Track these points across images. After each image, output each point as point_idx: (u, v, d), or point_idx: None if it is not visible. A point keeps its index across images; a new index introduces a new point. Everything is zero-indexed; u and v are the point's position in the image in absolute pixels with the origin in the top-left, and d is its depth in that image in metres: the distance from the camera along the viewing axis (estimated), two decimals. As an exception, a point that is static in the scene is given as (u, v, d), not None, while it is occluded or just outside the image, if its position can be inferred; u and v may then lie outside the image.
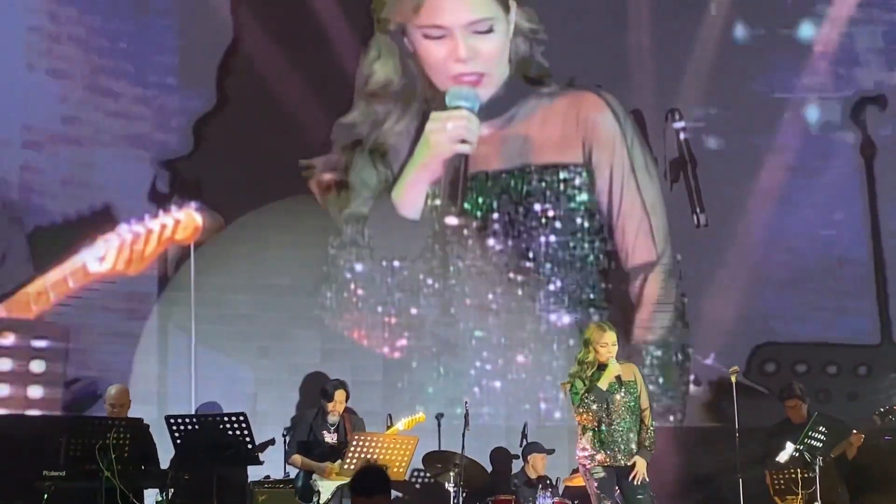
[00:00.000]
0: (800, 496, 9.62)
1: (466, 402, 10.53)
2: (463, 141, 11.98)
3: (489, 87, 12.21)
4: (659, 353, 12.13)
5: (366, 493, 5.72)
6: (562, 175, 12.29)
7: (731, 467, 10.13)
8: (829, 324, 12.27)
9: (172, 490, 8.97)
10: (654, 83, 12.35)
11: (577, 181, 12.29)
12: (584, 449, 8.48)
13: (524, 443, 10.94)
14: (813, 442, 9.44)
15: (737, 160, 12.36)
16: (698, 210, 12.39)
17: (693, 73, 12.31)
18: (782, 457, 9.62)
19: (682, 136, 12.50)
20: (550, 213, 12.28)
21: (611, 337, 8.49)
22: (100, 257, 11.27)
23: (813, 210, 12.37)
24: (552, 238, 12.28)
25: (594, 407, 8.40)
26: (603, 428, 8.42)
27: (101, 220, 11.41)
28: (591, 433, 8.44)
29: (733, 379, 10.03)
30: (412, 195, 12.13)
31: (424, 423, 10.14)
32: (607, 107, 12.39)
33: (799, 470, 9.60)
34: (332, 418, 9.62)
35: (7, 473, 9.90)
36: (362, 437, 9.23)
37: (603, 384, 8.40)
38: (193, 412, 10.71)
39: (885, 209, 12.37)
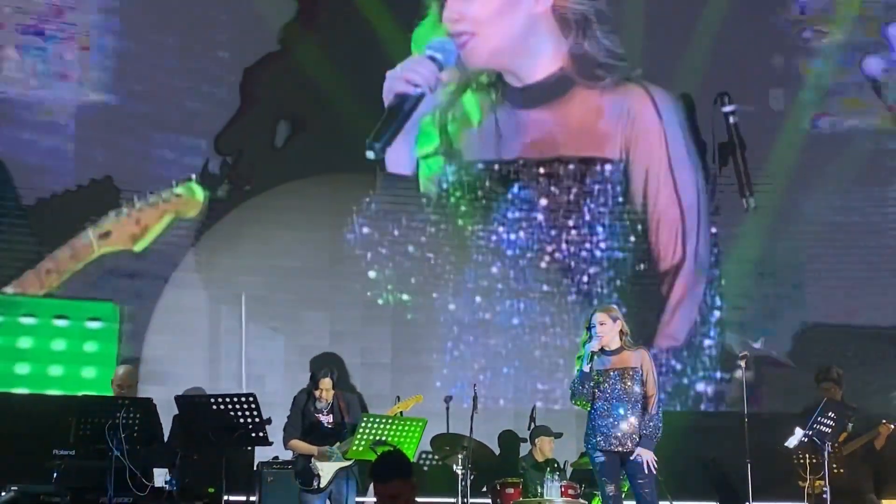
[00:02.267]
0: (808, 481, 9.61)
1: (475, 386, 10.54)
2: (413, 84, 11.96)
3: (481, 51, 12.30)
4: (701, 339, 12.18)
5: (382, 479, 5.62)
6: (598, 168, 12.32)
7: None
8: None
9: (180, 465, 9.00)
10: (705, 66, 12.39)
11: (614, 176, 12.28)
12: (586, 433, 8.45)
13: (532, 426, 10.95)
14: (822, 427, 9.42)
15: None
16: (747, 194, 12.44)
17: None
18: (791, 442, 9.60)
19: (731, 119, 12.51)
20: (587, 206, 12.28)
21: (598, 317, 8.41)
22: (105, 233, 11.32)
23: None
24: (576, 232, 12.29)
25: (584, 390, 8.35)
26: (596, 412, 8.36)
27: (103, 196, 11.48)
28: (589, 417, 8.39)
29: (742, 364, 10.00)
30: (395, 151, 12.09)
31: (433, 406, 10.13)
32: (652, 103, 12.42)
33: (808, 455, 9.59)
34: (320, 404, 9.55)
35: (17, 453, 9.95)
36: (371, 420, 9.21)
37: (586, 366, 8.33)
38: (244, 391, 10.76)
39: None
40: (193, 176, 11.69)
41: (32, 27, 11.61)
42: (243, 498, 10.00)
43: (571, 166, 12.38)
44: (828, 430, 9.40)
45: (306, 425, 9.50)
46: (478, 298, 12.21)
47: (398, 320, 12.10)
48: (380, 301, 12.09)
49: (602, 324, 8.38)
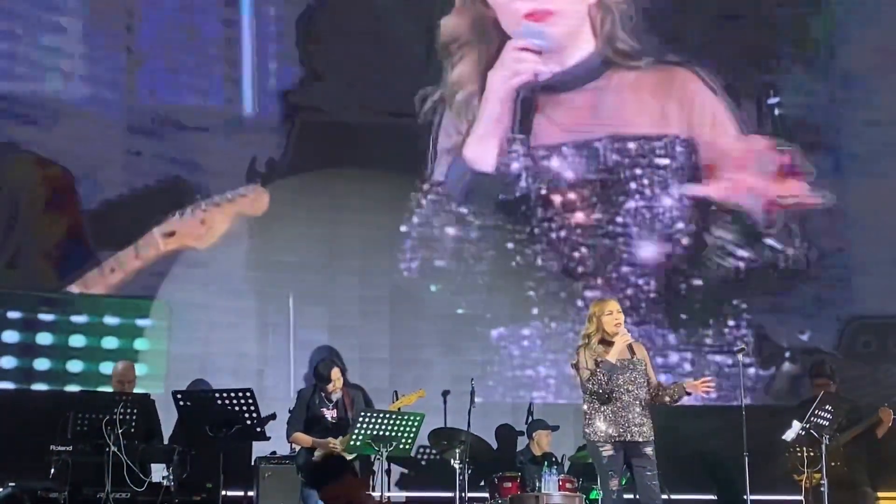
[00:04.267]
0: (805, 474, 9.63)
1: (473, 380, 10.55)
2: (519, 73, 12.01)
3: (560, 26, 12.26)
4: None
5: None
6: (652, 146, 12.27)
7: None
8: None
9: (177, 459, 9.00)
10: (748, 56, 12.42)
11: (671, 153, 12.26)
12: (591, 425, 8.38)
13: (529, 420, 10.96)
14: (819, 420, 9.43)
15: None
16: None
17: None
18: (789, 435, 9.61)
19: (776, 112, 12.51)
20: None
21: (614, 305, 8.43)
22: (170, 232, 11.52)
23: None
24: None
25: (604, 381, 8.30)
26: (615, 404, 8.30)
27: (171, 196, 11.69)
28: (600, 408, 8.34)
29: (740, 358, 10.00)
30: (483, 148, 12.16)
31: (431, 401, 10.14)
32: (701, 81, 12.38)
33: (805, 448, 9.60)
34: (335, 395, 9.56)
35: (15, 448, 9.96)
36: (369, 415, 9.22)
37: (612, 357, 8.32)
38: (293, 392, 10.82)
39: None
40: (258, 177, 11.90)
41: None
42: (241, 493, 10.00)
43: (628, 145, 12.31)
44: (825, 422, 9.42)
45: (310, 419, 9.52)
46: (476, 292, 12.20)
47: (396, 314, 12.09)
48: (375, 295, 12.08)
49: (620, 311, 8.42)
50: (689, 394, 8.53)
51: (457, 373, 11.58)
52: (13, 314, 11.21)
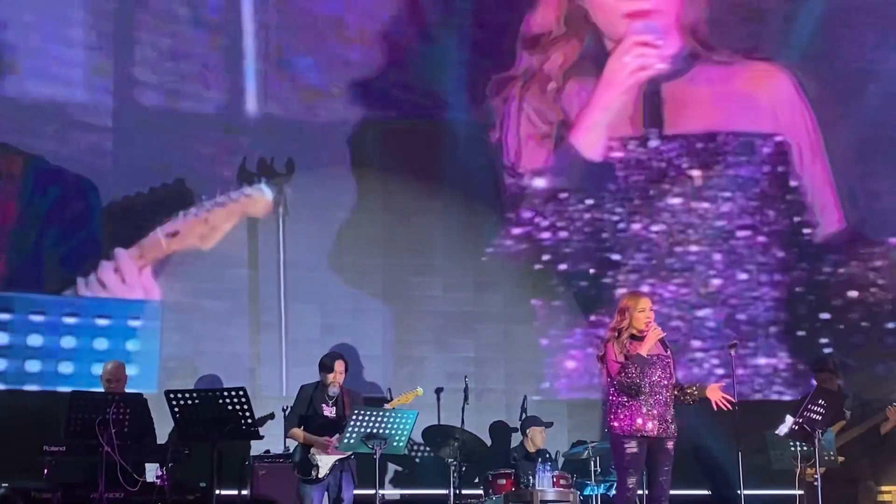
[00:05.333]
0: (798, 469, 9.63)
1: (466, 377, 10.54)
2: (642, 68, 12.14)
3: (661, 21, 12.33)
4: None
5: None
6: (747, 142, 12.26)
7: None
8: None
9: (172, 464, 9.00)
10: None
11: (764, 150, 12.25)
12: (618, 419, 8.33)
13: (523, 416, 10.96)
14: (812, 415, 9.43)
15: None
16: None
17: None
18: (781, 430, 9.61)
19: None
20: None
21: (647, 303, 8.42)
22: (173, 232, 11.54)
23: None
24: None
25: (635, 375, 8.28)
26: (643, 397, 8.26)
27: (176, 196, 11.71)
28: (628, 403, 8.28)
29: (732, 352, 10.00)
30: (593, 136, 12.21)
31: (424, 398, 10.14)
32: (789, 77, 12.34)
33: (798, 443, 9.60)
34: (333, 390, 9.62)
35: (8, 449, 9.94)
36: (361, 412, 9.24)
37: (644, 351, 8.29)
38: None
39: None
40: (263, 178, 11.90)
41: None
42: (235, 492, 9.99)
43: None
44: (818, 417, 9.41)
45: (309, 415, 9.57)
46: (468, 289, 12.18)
47: (389, 312, 12.07)
48: (370, 292, 12.07)
49: (651, 310, 8.43)
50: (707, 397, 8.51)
51: (450, 370, 11.58)
52: (4, 316, 11.21)
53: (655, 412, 8.29)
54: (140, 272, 11.52)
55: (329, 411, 9.60)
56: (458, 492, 10.16)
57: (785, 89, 12.37)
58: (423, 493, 11.08)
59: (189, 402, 8.85)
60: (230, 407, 8.84)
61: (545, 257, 12.18)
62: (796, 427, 9.41)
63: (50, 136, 11.56)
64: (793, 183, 12.30)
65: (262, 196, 11.86)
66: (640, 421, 8.27)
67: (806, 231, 12.26)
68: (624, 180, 12.28)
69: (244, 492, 10.05)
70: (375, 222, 12.10)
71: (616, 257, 12.19)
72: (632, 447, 8.28)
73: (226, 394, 8.89)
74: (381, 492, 9.43)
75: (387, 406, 9.50)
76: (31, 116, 11.51)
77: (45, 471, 9.01)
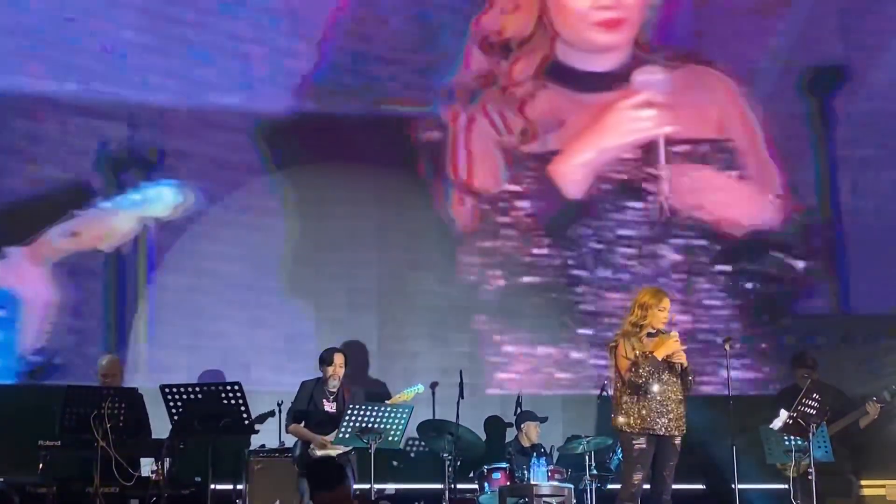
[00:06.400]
0: (793, 463, 9.66)
1: (461, 372, 10.55)
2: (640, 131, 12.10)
3: (627, 32, 12.25)
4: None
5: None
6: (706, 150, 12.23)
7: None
8: None
9: (169, 459, 8.99)
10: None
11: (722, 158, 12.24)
12: (628, 415, 8.31)
13: (518, 411, 10.97)
14: (806, 409, 9.45)
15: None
16: None
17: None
18: (776, 424, 9.63)
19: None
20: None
21: (668, 302, 8.39)
22: (72, 232, 11.34)
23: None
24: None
25: (646, 374, 8.26)
26: (654, 396, 8.24)
27: (74, 195, 11.50)
28: (637, 400, 8.27)
29: (727, 347, 10.01)
30: (580, 174, 12.16)
31: (419, 393, 10.15)
32: (731, 82, 12.30)
33: (793, 437, 9.62)
34: (333, 383, 9.65)
35: (2, 443, 9.94)
36: (357, 408, 9.24)
37: (659, 354, 8.25)
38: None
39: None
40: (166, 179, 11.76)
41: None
42: (230, 486, 10.00)
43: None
44: (812, 411, 9.43)
45: (309, 410, 9.60)
46: (463, 284, 12.19)
47: (384, 306, 12.07)
48: (365, 286, 12.06)
49: (669, 310, 8.41)
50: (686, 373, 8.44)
51: (446, 365, 11.58)
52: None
53: (665, 409, 8.30)
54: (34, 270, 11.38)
55: (329, 406, 9.65)
56: (452, 486, 10.16)
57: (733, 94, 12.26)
58: (418, 488, 11.08)
59: (184, 396, 8.86)
60: (225, 402, 8.85)
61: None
62: (790, 421, 9.43)
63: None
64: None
65: (161, 197, 11.67)
66: (649, 418, 8.27)
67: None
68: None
69: (239, 486, 10.04)
70: (369, 216, 12.10)
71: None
72: (640, 444, 8.28)
73: (221, 388, 8.89)
74: (376, 486, 9.43)
75: (387, 402, 9.52)
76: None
77: (41, 465, 9.00)
